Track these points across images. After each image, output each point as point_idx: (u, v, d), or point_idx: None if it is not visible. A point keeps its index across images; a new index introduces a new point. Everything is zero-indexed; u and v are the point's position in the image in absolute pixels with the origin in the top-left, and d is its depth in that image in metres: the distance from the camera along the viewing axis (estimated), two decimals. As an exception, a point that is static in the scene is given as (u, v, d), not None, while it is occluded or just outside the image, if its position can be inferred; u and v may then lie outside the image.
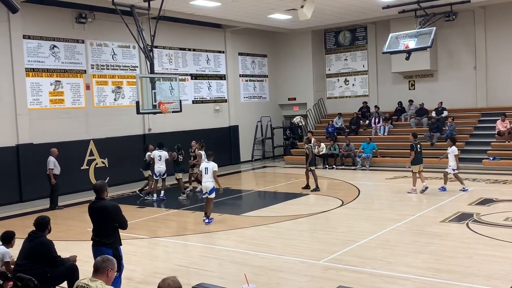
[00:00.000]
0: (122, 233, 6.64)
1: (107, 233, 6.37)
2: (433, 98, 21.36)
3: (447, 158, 14.15)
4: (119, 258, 6.18)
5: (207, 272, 7.95)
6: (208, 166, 11.31)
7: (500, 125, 18.74)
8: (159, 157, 14.64)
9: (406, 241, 9.20)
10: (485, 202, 12.19)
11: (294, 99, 25.25)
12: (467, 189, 13.64)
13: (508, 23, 20.11)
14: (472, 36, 20.90)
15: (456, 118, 20.27)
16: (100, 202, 6.48)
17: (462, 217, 10.68)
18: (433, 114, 20.80)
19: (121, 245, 6.56)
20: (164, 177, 14.79)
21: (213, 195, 11.31)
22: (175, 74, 18.53)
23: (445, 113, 20.56)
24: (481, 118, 20.27)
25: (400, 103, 22.57)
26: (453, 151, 13.94)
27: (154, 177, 14.74)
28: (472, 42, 20.96)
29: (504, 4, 19.66)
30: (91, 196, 15.62)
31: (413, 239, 9.34)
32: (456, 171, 13.87)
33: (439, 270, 7.47)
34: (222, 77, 22.83)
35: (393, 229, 10.06)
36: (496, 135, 18.84)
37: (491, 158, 17.99)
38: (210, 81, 22.18)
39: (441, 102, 20.88)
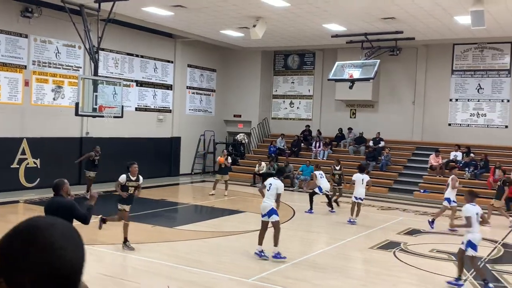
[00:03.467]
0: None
1: None
2: (372, 128, 22.07)
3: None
4: None
5: (130, 283, 7.73)
6: (273, 183, 9.45)
7: (433, 160, 19.58)
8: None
9: (334, 265, 9.35)
10: (413, 232, 12.61)
11: (240, 116, 25.35)
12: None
13: (448, 63, 21.21)
14: (413, 72, 21.86)
15: (392, 149, 21.03)
16: (56, 198, 6.19)
17: (390, 245, 10.99)
18: (371, 143, 21.48)
19: None
20: None
21: (276, 218, 9.38)
22: (120, 79, 18.18)
23: (382, 144, 21.28)
24: (415, 151, 21.11)
25: (340, 130, 23.15)
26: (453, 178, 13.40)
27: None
28: (413, 78, 21.91)
29: (446, 45, 20.73)
30: (17, 196, 15.02)
31: (341, 263, 9.50)
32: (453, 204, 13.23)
33: (364, 295, 7.62)
34: (168, 87, 22.60)
35: (323, 252, 10.21)
36: (428, 169, 19.65)
37: (422, 191, 18.71)
38: (156, 89, 21.90)
39: (379, 133, 21.62)
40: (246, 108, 24.96)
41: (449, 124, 21.23)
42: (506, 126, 20.13)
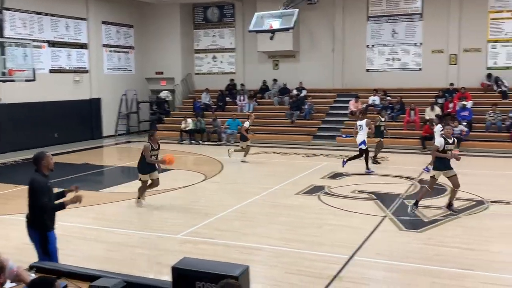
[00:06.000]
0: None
1: (32, 212, 5.63)
2: (295, 78, 22.35)
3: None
4: (45, 243, 5.56)
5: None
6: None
7: (353, 106, 20.24)
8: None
9: (262, 213, 9.59)
10: (336, 176, 13.13)
11: (162, 73, 24.76)
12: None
13: (363, 10, 21.65)
14: (331, 20, 22.15)
15: (314, 98, 21.48)
16: (33, 176, 5.66)
17: (315, 190, 11.39)
18: (295, 92, 21.85)
19: (53, 229, 5.75)
20: None
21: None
22: (29, 40, 17.09)
23: (304, 93, 21.68)
24: (337, 99, 21.70)
25: (264, 82, 23.27)
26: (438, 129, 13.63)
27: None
28: (331, 26, 22.22)
29: (362, -9, 21.08)
30: None
31: (268, 211, 9.75)
32: None
33: (291, 240, 7.90)
34: (83, 46, 21.55)
35: (251, 202, 10.42)
36: (349, 115, 20.32)
37: (343, 136, 19.38)
38: (70, 49, 20.82)
39: (301, 82, 21.97)
40: (168, 64, 24.37)
41: (367, 70, 21.91)
42: (420, 69, 21.06)
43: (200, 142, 20.43)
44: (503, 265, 6.73)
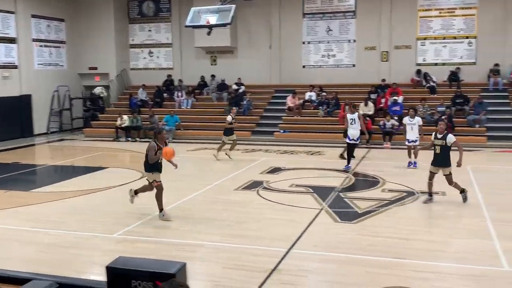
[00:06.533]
0: None
1: None
2: (233, 74, 22.37)
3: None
4: None
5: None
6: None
7: (290, 101, 20.53)
8: None
9: (202, 209, 9.54)
10: (274, 170, 13.28)
11: (96, 68, 24.04)
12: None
13: (299, 7, 21.98)
14: (268, 16, 22.33)
15: (253, 94, 21.61)
16: None
17: (254, 185, 11.47)
18: (234, 86, 21.90)
19: None
20: None
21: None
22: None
23: (242, 89, 21.76)
24: (275, 94, 21.94)
25: (202, 78, 23.13)
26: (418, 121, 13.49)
27: None
28: (268, 22, 22.40)
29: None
30: None
31: (208, 207, 9.72)
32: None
33: (230, 235, 7.92)
34: (11, 40, 20.57)
35: (191, 198, 10.35)
36: (286, 110, 20.60)
37: (281, 131, 19.64)
38: (-4, 44, 19.82)
39: (239, 78, 22.03)
40: (102, 59, 23.70)
41: (304, 66, 22.29)
42: (354, 65, 21.67)
43: (137, 139, 20.03)
44: (433, 254, 7.05)
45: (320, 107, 20.06)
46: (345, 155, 13.69)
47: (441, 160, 9.40)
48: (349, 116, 13.55)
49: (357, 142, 13.68)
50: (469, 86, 19.89)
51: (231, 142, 15.00)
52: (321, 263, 6.82)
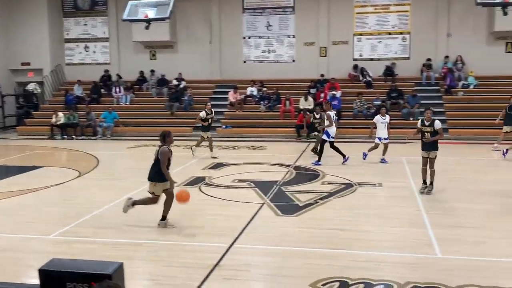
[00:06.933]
0: None
1: None
2: (174, 69, 22.11)
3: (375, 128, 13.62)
4: None
5: None
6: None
7: (232, 96, 20.54)
8: None
9: (142, 208, 9.35)
10: (216, 166, 13.25)
11: (29, 64, 23.08)
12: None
13: (239, 2, 21.99)
14: (208, 11, 22.20)
15: (194, 89, 21.45)
16: None
17: (196, 181, 11.40)
18: (175, 82, 21.64)
19: None
20: None
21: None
22: None
23: (183, 84, 21.54)
24: (216, 90, 21.87)
25: (142, 73, 22.71)
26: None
27: None
28: (208, 17, 22.27)
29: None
30: None
31: (149, 205, 9.53)
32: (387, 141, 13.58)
33: (171, 233, 7.82)
34: None
35: (131, 197, 10.10)
36: (228, 105, 20.59)
37: (224, 127, 19.61)
38: None
39: (180, 73, 21.79)
40: (35, 54, 22.77)
41: (244, 61, 22.34)
42: (293, 60, 21.95)
43: (74, 137, 19.42)
44: (372, 243, 7.27)
45: (262, 102, 20.19)
46: (318, 151, 13.57)
47: (431, 144, 9.90)
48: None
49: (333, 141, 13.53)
50: (403, 80, 20.65)
51: (206, 138, 14.64)
52: (263, 256, 6.87)
